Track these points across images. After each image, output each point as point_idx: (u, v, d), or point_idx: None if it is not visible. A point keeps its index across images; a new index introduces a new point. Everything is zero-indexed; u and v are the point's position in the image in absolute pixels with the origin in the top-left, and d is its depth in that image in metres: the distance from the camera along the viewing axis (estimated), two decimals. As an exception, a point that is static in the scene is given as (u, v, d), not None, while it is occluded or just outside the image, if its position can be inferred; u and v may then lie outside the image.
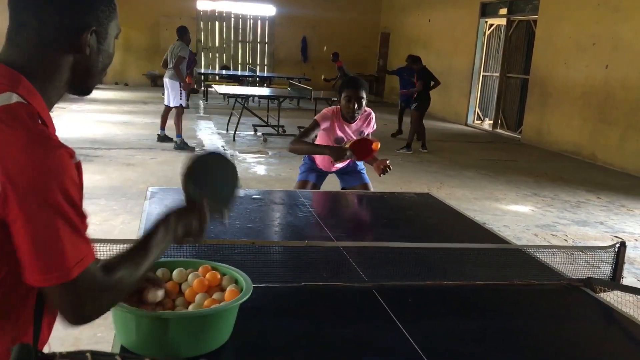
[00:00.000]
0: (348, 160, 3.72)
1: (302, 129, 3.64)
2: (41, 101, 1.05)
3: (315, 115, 3.74)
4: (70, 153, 1.01)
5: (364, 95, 3.44)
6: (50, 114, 1.11)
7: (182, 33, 8.49)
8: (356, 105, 3.42)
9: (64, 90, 1.14)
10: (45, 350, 0.60)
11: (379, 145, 3.41)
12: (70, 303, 1.00)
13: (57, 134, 1.07)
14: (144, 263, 1.15)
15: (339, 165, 3.73)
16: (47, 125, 1.03)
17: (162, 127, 8.81)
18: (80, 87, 1.16)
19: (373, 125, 3.68)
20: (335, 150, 3.39)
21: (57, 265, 0.96)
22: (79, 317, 1.01)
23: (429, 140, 9.81)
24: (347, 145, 3.40)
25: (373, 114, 3.67)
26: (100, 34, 1.12)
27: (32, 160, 0.95)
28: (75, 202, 0.99)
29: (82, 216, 1.01)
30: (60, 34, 1.07)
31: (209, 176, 1.36)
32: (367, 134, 3.64)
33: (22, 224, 0.95)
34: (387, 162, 3.46)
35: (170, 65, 8.41)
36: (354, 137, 3.56)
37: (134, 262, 1.13)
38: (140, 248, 1.16)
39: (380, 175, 3.49)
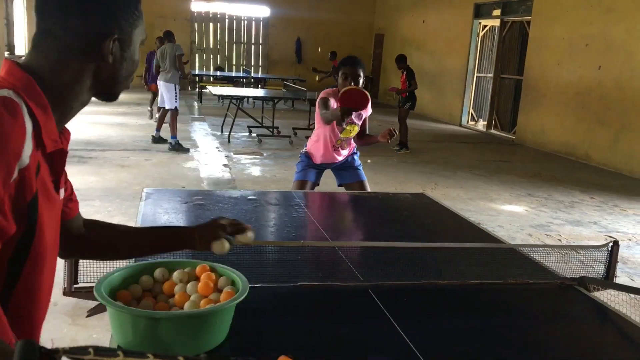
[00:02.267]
0: (345, 154, 3.73)
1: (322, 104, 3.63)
2: (43, 103, 1.05)
3: (310, 113, 3.76)
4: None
5: (361, 74, 3.51)
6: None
7: (171, 36, 8.70)
8: (353, 83, 3.47)
9: (88, 96, 1.15)
10: (49, 345, 0.60)
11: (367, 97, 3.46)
12: None
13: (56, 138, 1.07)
14: None
15: (340, 158, 3.73)
16: (41, 126, 1.02)
17: (158, 129, 8.84)
18: (105, 93, 1.17)
19: (369, 109, 3.71)
20: (334, 114, 3.43)
21: None
22: None
23: (422, 141, 9.83)
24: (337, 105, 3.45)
25: (369, 97, 3.71)
26: (123, 41, 1.13)
27: None
28: None
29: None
30: (83, 41, 1.08)
31: None
32: (364, 118, 3.71)
33: None
34: (392, 128, 3.50)
35: (162, 68, 8.51)
36: (353, 118, 3.61)
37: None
38: None
39: (388, 142, 3.51)
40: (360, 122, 3.68)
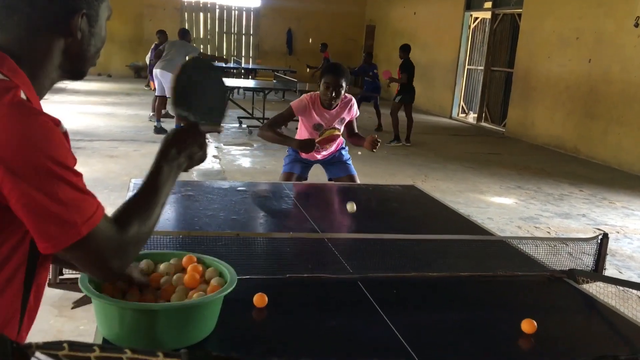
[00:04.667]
0: (331, 150, 3.72)
1: (275, 115, 3.62)
2: (27, 81, 1.03)
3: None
4: (55, 121, 0.99)
5: (344, 84, 3.43)
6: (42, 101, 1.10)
7: (185, 34, 8.96)
8: (334, 94, 3.41)
9: (57, 74, 1.13)
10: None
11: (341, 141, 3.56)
12: (91, 261, 1.01)
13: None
14: (155, 206, 1.13)
15: (324, 152, 3.72)
16: (32, 102, 1.01)
17: (158, 119, 8.83)
18: (74, 71, 1.15)
19: (355, 112, 3.68)
20: (303, 143, 3.43)
21: (65, 227, 0.95)
22: (107, 272, 1.03)
23: (413, 133, 9.81)
24: (317, 140, 3.47)
25: (354, 100, 3.68)
26: (91, 17, 1.10)
27: (15, 131, 0.93)
28: (66, 163, 0.97)
29: (79, 175, 1.00)
30: (50, 17, 1.06)
31: (197, 91, 1.25)
32: (349, 120, 3.68)
33: (19, 196, 0.94)
34: (376, 136, 3.47)
35: (164, 57, 8.68)
36: (333, 124, 3.59)
37: (146, 208, 1.11)
38: (148, 192, 1.14)
39: (373, 150, 3.48)
40: (342, 127, 3.66)
